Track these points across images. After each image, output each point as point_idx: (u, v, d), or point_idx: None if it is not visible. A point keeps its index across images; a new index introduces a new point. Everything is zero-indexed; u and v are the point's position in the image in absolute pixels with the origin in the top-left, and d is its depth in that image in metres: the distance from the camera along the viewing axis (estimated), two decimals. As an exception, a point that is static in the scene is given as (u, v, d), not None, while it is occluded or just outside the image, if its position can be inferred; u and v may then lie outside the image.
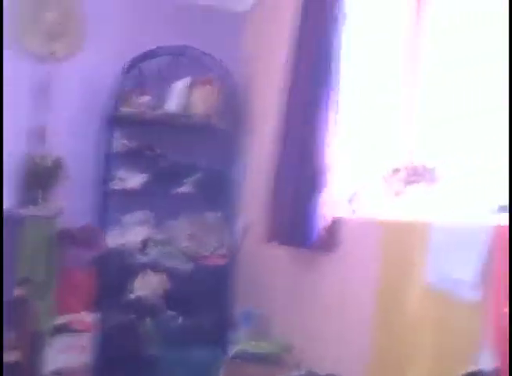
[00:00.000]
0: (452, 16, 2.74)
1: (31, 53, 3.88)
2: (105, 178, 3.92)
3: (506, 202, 1.78)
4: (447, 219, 2.29)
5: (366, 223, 2.68)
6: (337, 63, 2.85)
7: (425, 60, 2.90)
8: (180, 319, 3.85)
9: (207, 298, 3.97)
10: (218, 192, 4.12)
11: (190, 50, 4.07)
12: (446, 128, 2.71)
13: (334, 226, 2.85)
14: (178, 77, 4.05)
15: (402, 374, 2.28)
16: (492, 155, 2.38)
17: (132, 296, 3.83)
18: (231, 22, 4.31)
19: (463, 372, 1.75)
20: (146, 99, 3.99)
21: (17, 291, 3.34)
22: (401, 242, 2.39)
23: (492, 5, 2.47)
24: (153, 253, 3.96)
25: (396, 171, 2.68)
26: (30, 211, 3.61)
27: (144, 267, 3.91)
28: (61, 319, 3.46)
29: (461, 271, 1.98)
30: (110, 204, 3.91)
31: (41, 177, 3.73)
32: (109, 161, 3.94)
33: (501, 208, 1.99)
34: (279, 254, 3.39)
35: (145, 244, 3.94)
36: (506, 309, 1.51)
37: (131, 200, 4.07)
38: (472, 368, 1.76)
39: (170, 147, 4.13)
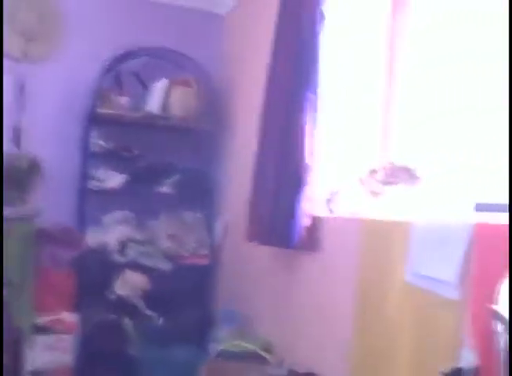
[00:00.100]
0: (431, 15, 2.77)
1: (6, 54, 3.84)
2: (84, 178, 3.92)
3: (506, 202, 1.79)
4: (426, 218, 2.31)
5: (346, 222, 2.69)
6: (316, 63, 2.86)
7: (403, 60, 2.93)
8: (161, 320, 3.86)
9: (187, 297, 3.99)
10: (197, 192, 4.13)
11: (169, 51, 4.07)
12: (425, 127, 2.74)
13: (314, 226, 2.87)
14: (157, 78, 4.04)
15: (382, 372, 2.30)
16: (470, 153, 2.42)
17: (113, 296, 3.83)
18: (211, 23, 4.32)
19: (443, 370, 1.77)
20: (124, 99, 3.98)
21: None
22: (380, 241, 2.40)
23: (468, 3, 2.51)
24: (133, 253, 3.96)
25: (373, 172, 2.68)
26: (7, 211, 3.58)
27: (124, 267, 3.91)
28: (41, 320, 3.44)
29: (440, 269, 1.99)
30: (90, 204, 3.91)
31: (18, 178, 3.69)
32: (88, 162, 3.93)
33: (479, 206, 2.01)
34: (260, 254, 3.41)
35: (124, 244, 3.94)
36: (489, 306, 1.53)
37: (111, 200, 4.06)
38: (452, 366, 1.78)
39: (149, 148, 4.13)
